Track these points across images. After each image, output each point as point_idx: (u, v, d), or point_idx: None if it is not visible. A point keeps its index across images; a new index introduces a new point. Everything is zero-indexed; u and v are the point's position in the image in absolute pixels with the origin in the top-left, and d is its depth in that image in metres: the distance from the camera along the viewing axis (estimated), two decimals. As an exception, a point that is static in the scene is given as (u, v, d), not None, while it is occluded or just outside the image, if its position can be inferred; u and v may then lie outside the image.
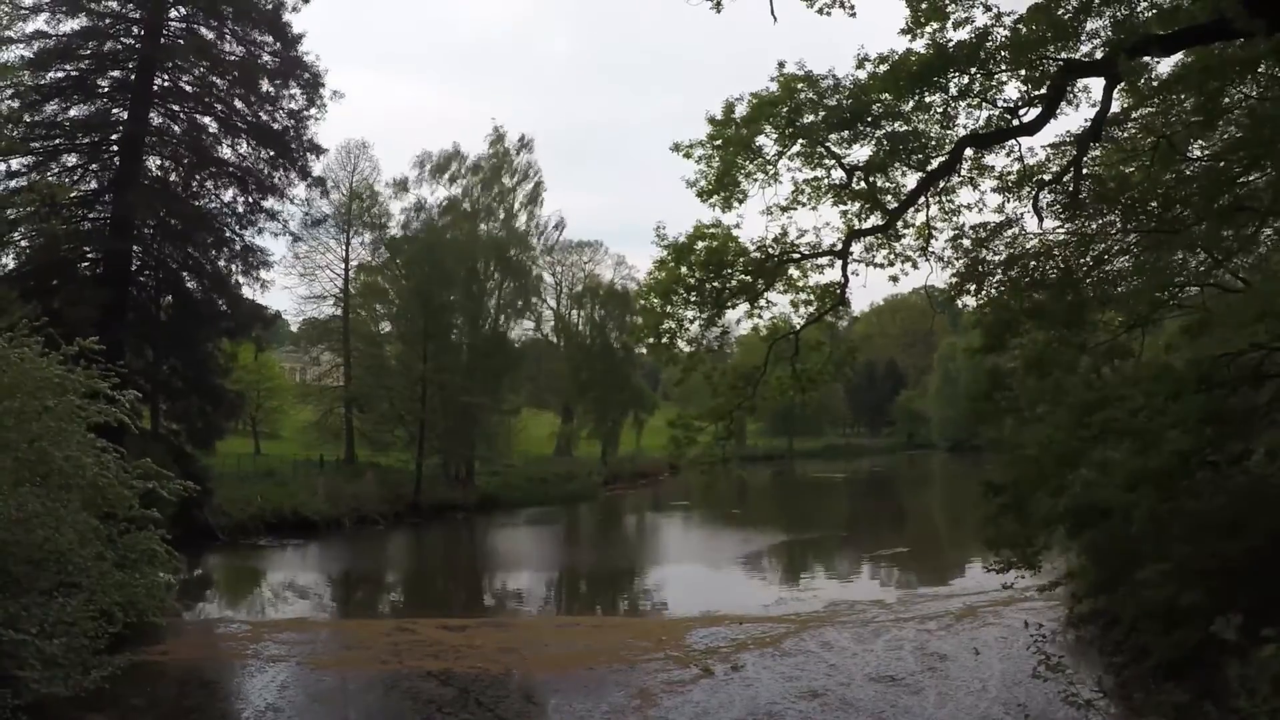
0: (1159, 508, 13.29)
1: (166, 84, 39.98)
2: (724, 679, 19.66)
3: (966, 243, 16.20)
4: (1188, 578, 12.48)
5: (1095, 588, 19.46)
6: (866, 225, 16.32)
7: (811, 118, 15.22)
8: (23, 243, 37.38)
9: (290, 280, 59.27)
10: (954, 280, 16.35)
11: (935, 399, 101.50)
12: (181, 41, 39.56)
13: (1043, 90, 15.07)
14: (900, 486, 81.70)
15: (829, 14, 15.48)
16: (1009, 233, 16.06)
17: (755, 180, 15.85)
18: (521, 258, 64.41)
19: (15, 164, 37.02)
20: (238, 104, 41.50)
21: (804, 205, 16.20)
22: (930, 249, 16.53)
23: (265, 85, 41.53)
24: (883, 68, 14.97)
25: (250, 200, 41.83)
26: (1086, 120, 15.20)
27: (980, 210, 16.53)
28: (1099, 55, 14.64)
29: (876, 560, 41.02)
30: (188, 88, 40.80)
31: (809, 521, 56.34)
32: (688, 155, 15.72)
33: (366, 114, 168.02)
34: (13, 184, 36.73)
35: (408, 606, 31.98)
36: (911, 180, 16.06)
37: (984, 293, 16.09)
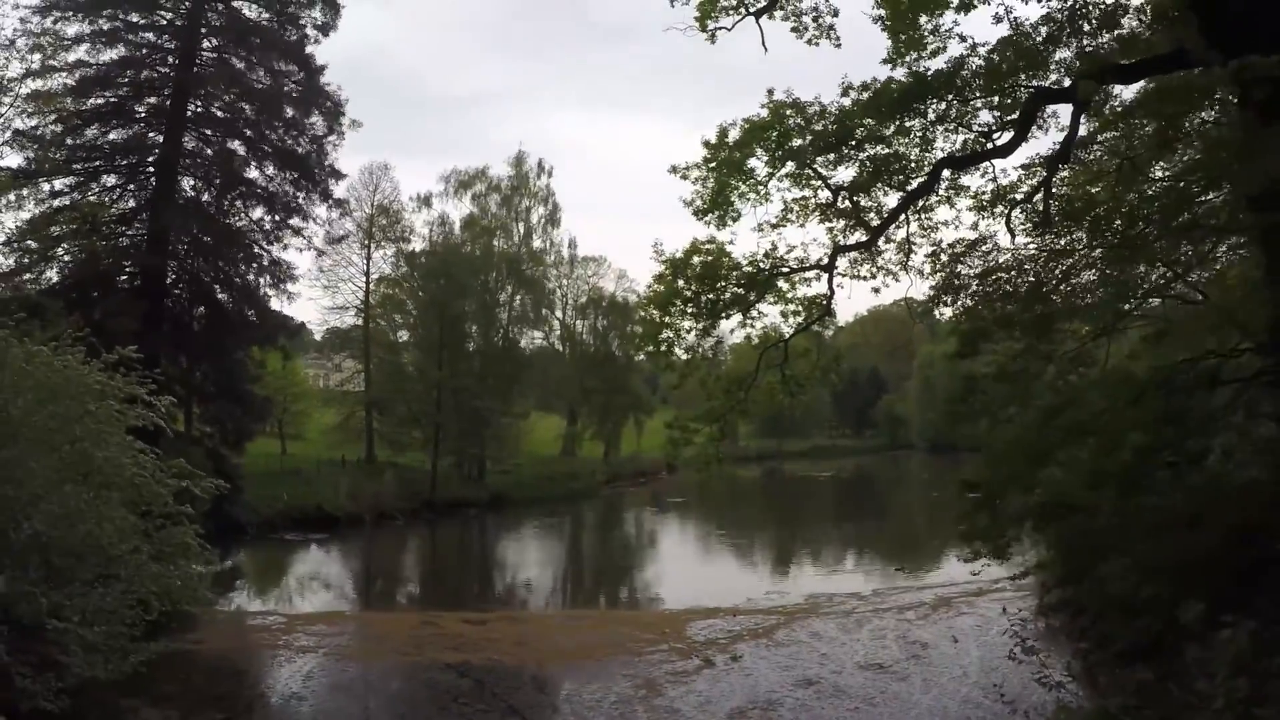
0: (1122, 504, 13.29)
1: (199, 110, 40.10)
2: (724, 669, 19.62)
3: (944, 257, 16.22)
4: (1149, 570, 12.47)
5: (1063, 579, 19.43)
6: (851, 241, 16.37)
7: (800, 141, 15.28)
8: (66, 258, 37.54)
9: (315, 292, 59.52)
10: (932, 292, 16.36)
11: (915, 403, 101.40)
12: (213, 71, 39.76)
13: (1015, 116, 15.13)
14: (880, 484, 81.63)
15: (817, 44, 15.65)
16: (983, 248, 16.08)
17: (747, 199, 15.91)
18: (534, 273, 64.68)
19: (58, 184, 37.25)
20: (264, 129, 41.60)
21: (793, 223, 16.26)
22: (910, 263, 16.58)
23: (290, 112, 41.67)
24: (865, 95, 15.05)
25: (277, 218, 41.95)
26: (1055, 143, 15.29)
27: (956, 227, 16.63)
28: (1067, 83, 14.71)
29: (855, 553, 41.05)
30: (219, 114, 40.90)
31: (793, 516, 56.36)
32: (684, 177, 15.77)
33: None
34: (56, 203, 36.94)
35: (425, 599, 31.95)
36: (893, 199, 16.13)
37: (960, 304, 16.10)
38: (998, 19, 14.70)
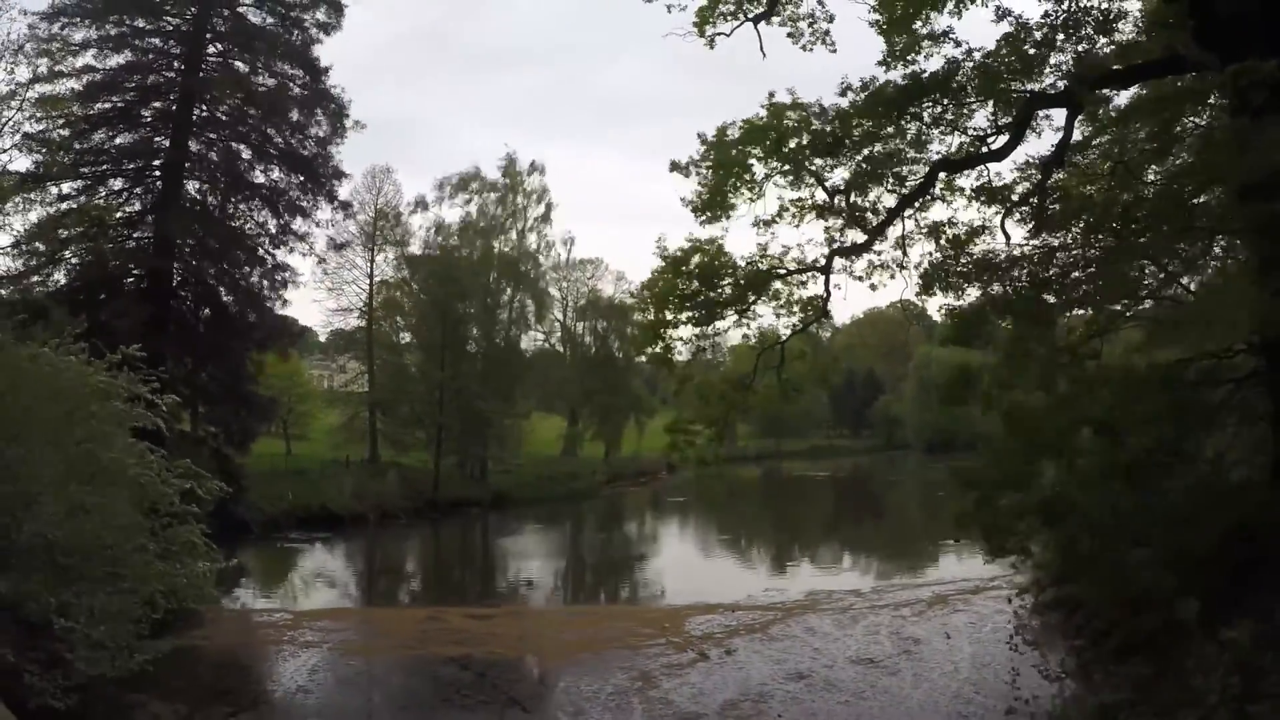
0: (1122, 502, 13.25)
1: (204, 114, 39.99)
2: (718, 662, 19.61)
3: (938, 255, 16.19)
4: (1149, 566, 12.45)
5: (1060, 576, 19.40)
6: (848, 243, 16.35)
7: (797, 141, 15.29)
8: (73, 260, 37.40)
9: (319, 294, 59.15)
10: (930, 275, 16.08)
11: (911, 404, 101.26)
12: (218, 75, 39.64)
13: (1010, 119, 15.11)
14: (876, 484, 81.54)
15: (811, 50, 15.65)
16: (979, 247, 16.05)
17: (744, 198, 15.91)
18: (533, 273, 64.48)
19: (66, 188, 37.04)
20: (270, 132, 41.47)
21: (789, 223, 16.26)
22: (906, 264, 16.54)
23: (295, 115, 41.50)
24: (863, 95, 15.05)
25: (281, 221, 41.83)
26: (1051, 146, 15.26)
27: (953, 229, 16.56)
28: (1062, 87, 14.69)
29: (852, 551, 40.99)
30: (224, 117, 40.79)
31: (792, 514, 56.29)
32: (684, 174, 15.77)
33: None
34: (64, 206, 36.82)
35: (428, 595, 31.86)
36: (889, 200, 16.10)
37: (957, 294, 15.98)
38: (999, 16, 14.69)
